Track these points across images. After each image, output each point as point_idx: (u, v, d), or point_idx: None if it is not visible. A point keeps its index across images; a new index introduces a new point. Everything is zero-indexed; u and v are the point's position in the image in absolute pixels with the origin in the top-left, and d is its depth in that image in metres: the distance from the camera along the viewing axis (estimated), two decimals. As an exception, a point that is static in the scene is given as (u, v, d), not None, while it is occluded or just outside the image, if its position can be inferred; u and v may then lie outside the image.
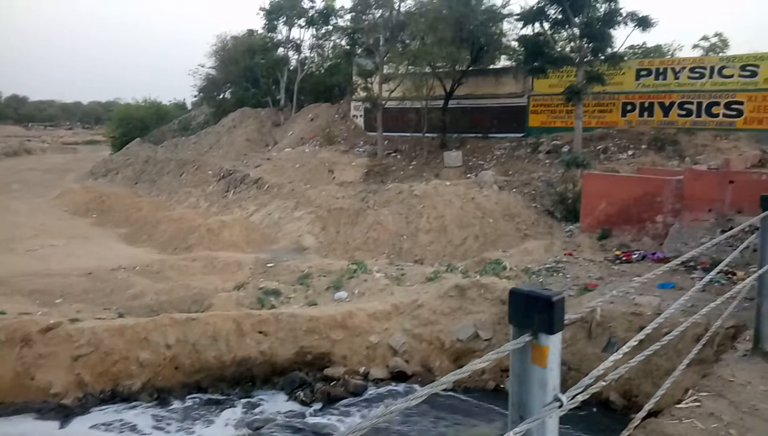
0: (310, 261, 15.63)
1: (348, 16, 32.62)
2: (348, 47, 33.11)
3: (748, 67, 25.56)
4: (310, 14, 37.33)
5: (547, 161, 24.22)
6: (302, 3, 37.23)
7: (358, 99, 32.31)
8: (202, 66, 44.58)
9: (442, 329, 10.80)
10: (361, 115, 34.54)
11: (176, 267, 16.56)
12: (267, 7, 37.72)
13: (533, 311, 1.82)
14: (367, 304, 11.69)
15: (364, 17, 29.97)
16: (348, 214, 20.22)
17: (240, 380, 10.70)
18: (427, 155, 28.10)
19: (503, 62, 32.01)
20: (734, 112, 25.74)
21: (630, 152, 23.31)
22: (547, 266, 13.93)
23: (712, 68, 26.68)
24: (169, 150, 37.70)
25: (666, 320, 4.71)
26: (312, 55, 40.86)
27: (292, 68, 39.39)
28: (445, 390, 8.91)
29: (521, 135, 28.85)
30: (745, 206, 13.74)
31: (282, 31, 38.62)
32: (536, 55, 24.15)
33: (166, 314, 11.27)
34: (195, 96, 48.37)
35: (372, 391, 10.33)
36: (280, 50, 39.24)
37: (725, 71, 26.14)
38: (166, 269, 16.48)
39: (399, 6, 29.23)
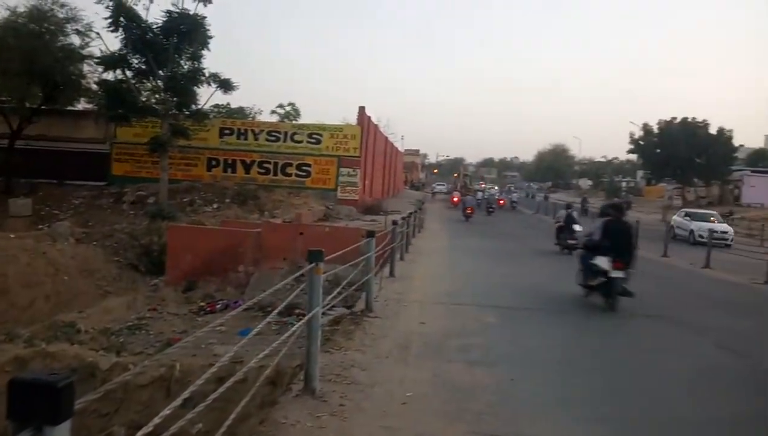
0: None
1: None
2: None
3: (314, 135, 29.97)
4: None
5: (132, 212, 23.28)
6: None
7: None
8: None
9: (-8, 413, 8.90)
10: None
11: None
12: None
13: (36, 402, 1.55)
14: None
15: None
16: None
17: None
18: (-14, 202, 23.67)
19: (84, 105, 29.77)
20: (304, 173, 29.68)
21: (215, 205, 24.28)
22: (129, 324, 13.16)
23: (286, 133, 30.33)
24: None
25: (246, 366, 4.81)
26: None
27: None
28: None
29: (104, 183, 27.19)
30: (312, 255, 15.77)
31: None
32: (119, 102, 23.23)
33: None
34: None
35: None
36: None
37: (296, 137, 30.04)
38: None
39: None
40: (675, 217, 29.05)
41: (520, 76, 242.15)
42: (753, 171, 51.84)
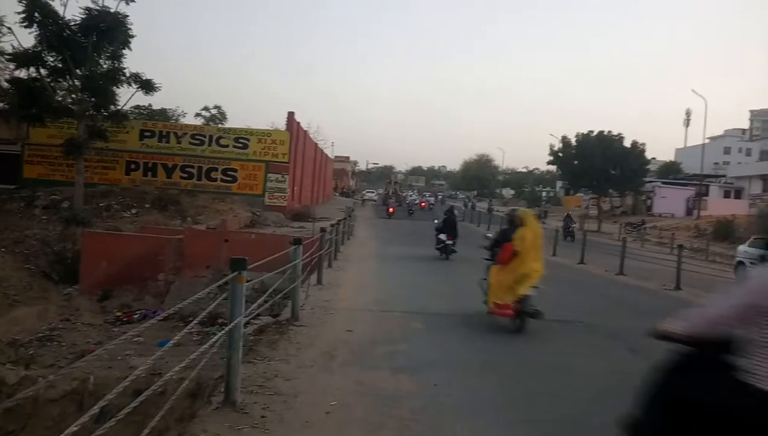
0: None
1: None
2: None
3: (241, 140, 29.44)
4: None
5: (45, 217, 22.06)
6: None
7: None
8: None
9: None
10: None
11: None
12: None
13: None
14: None
15: None
16: None
17: None
18: None
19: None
20: (230, 178, 29.06)
21: (134, 211, 23.36)
22: (40, 335, 12.52)
23: (211, 137, 29.63)
24: None
25: (162, 379, 4.65)
26: None
27: None
28: None
29: (14, 187, 25.68)
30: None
31: None
32: (32, 102, 22.00)
33: None
34: None
35: None
36: None
37: (222, 141, 29.41)
38: None
39: None
40: (743, 247, 18.52)
41: (447, 87, 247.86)
42: (664, 183, 55.35)
